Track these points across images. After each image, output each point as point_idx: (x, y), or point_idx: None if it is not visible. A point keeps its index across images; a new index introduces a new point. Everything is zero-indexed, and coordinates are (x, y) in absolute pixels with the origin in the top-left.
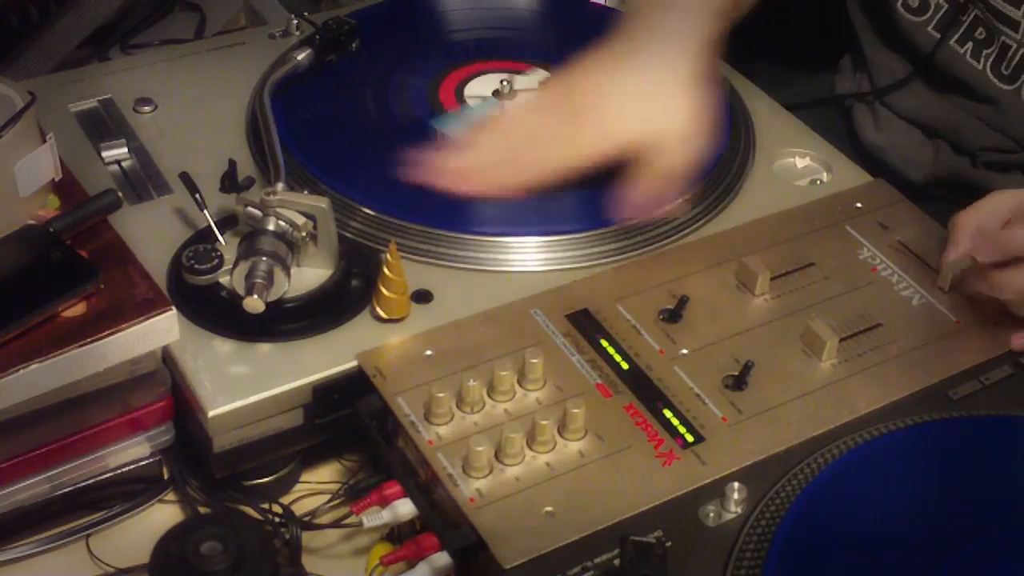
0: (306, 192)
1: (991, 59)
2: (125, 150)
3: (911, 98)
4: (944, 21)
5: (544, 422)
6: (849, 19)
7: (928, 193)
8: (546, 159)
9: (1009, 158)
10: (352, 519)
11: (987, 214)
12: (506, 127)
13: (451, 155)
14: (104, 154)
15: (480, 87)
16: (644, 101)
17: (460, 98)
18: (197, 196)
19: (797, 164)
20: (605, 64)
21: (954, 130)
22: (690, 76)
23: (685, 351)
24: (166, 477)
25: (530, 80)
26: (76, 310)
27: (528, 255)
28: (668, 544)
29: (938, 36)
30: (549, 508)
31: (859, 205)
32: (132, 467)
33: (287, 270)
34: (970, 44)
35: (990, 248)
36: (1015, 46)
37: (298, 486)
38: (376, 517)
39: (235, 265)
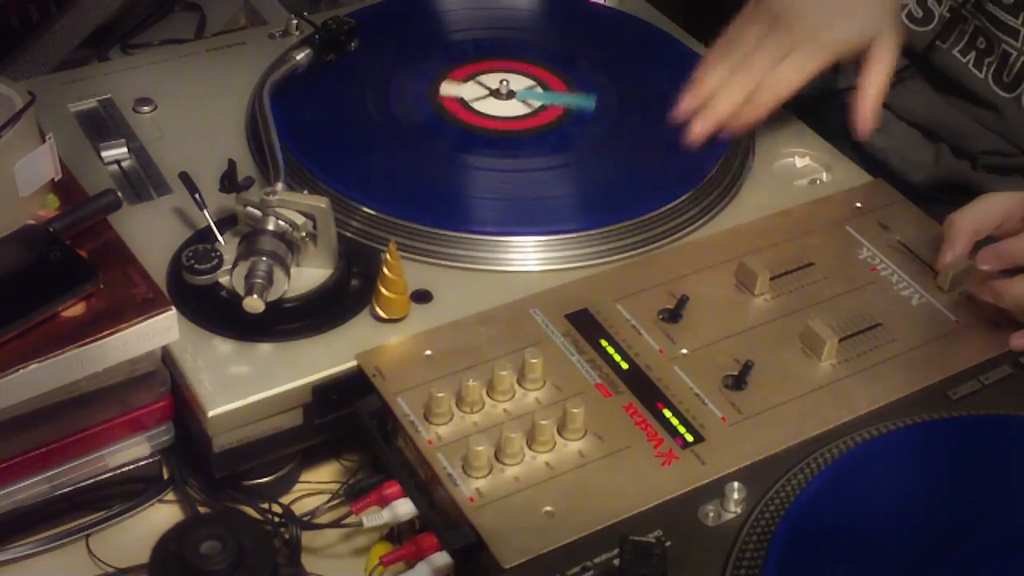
0: (306, 192)
1: (992, 68)
2: (125, 150)
3: (912, 100)
4: (947, 31)
5: (544, 422)
6: None
7: (928, 195)
8: (782, 81)
9: (1010, 161)
10: (352, 519)
11: (981, 215)
12: (736, 54)
13: (703, 101)
14: (104, 154)
15: (480, 87)
16: (857, 9)
17: (460, 98)
18: (197, 196)
19: (797, 164)
20: None
21: (955, 133)
22: None
23: (685, 351)
24: (166, 477)
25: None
26: (76, 310)
27: (528, 255)
28: (668, 544)
29: (941, 45)
30: (549, 508)
31: (859, 205)
32: (132, 467)
33: (287, 270)
34: (972, 54)
35: (992, 257)
36: (1015, 54)
37: (298, 486)
38: (376, 517)
39: (235, 265)
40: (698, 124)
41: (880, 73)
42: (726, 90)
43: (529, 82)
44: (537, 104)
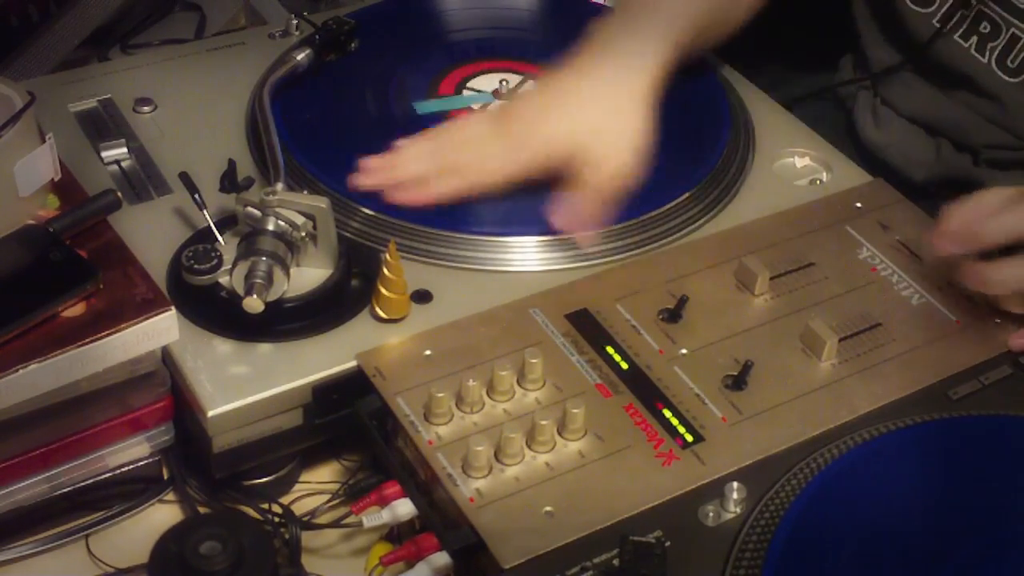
0: (306, 192)
1: (996, 52)
2: (125, 150)
3: (912, 96)
4: (950, 13)
5: (544, 422)
6: (851, 15)
7: (930, 192)
8: (482, 165)
9: (1011, 155)
10: (352, 519)
11: (975, 209)
12: (445, 135)
13: (389, 163)
14: (104, 154)
15: (479, 86)
16: (584, 114)
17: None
18: (196, 196)
19: (797, 164)
20: (555, 77)
21: (956, 128)
22: (637, 97)
23: (685, 351)
24: (166, 477)
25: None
26: (76, 310)
27: (527, 255)
28: (667, 544)
29: (943, 29)
30: (548, 508)
31: (859, 205)
32: (132, 467)
33: (287, 270)
34: (975, 38)
35: (970, 241)
36: None
37: (298, 486)
38: (376, 517)
39: (235, 265)
40: (365, 181)
41: (586, 190)
42: (413, 165)
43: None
44: None
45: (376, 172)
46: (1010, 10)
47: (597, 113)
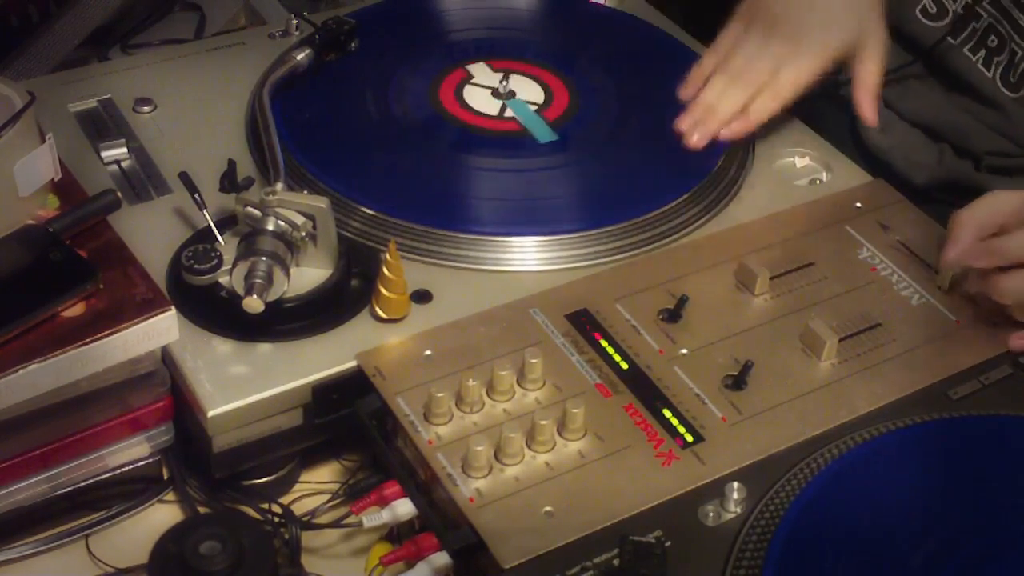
0: (306, 192)
1: (1001, 67)
2: (125, 150)
3: (916, 100)
4: (959, 27)
5: (543, 422)
6: None
7: (931, 196)
8: (777, 88)
9: (1013, 162)
10: (351, 519)
11: (987, 213)
12: (729, 64)
13: (706, 112)
14: (104, 154)
15: (479, 87)
16: (835, 6)
17: (460, 98)
18: (196, 196)
19: (797, 164)
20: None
21: (958, 133)
22: None
23: (685, 351)
24: (166, 477)
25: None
26: (76, 310)
27: (527, 255)
28: (667, 544)
29: (952, 41)
30: (548, 508)
31: (859, 205)
32: (132, 467)
33: (286, 270)
34: (983, 52)
35: (988, 256)
36: (1021, 54)
37: (298, 486)
38: (375, 517)
39: (234, 265)
40: (696, 134)
41: (874, 65)
42: (726, 100)
43: (529, 83)
44: (533, 108)
45: (699, 124)
46: (1015, 27)
47: (855, 10)
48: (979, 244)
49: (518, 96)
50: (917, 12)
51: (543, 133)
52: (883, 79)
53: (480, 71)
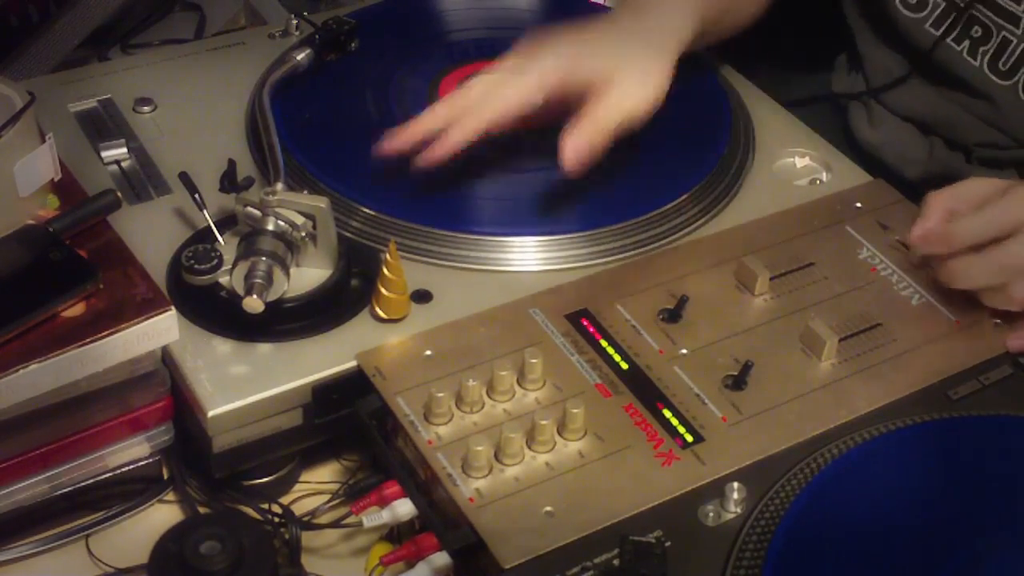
0: (306, 192)
1: (988, 55)
2: (125, 150)
3: (906, 95)
4: (942, 18)
5: (543, 422)
6: (845, 18)
7: (923, 191)
8: (495, 98)
9: (1003, 154)
10: (352, 519)
11: (958, 196)
12: (456, 89)
13: (407, 128)
14: (104, 154)
15: None
16: (605, 48)
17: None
18: (196, 196)
19: (797, 164)
20: (580, 27)
21: (949, 126)
22: (662, 50)
23: (685, 351)
24: (166, 477)
25: None
26: (76, 310)
27: (527, 255)
28: (667, 544)
29: (935, 33)
30: (548, 508)
31: (859, 205)
32: (132, 467)
33: (286, 270)
34: (967, 42)
35: (939, 242)
36: (1016, 41)
37: (298, 486)
38: (376, 517)
39: (235, 265)
40: (389, 145)
41: (597, 111)
42: (428, 118)
43: None
44: None
45: (396, 139)
46: (999, 13)
47: (622, 50)
48: (932, 232)
49: None
50: (898, 4)
51: None
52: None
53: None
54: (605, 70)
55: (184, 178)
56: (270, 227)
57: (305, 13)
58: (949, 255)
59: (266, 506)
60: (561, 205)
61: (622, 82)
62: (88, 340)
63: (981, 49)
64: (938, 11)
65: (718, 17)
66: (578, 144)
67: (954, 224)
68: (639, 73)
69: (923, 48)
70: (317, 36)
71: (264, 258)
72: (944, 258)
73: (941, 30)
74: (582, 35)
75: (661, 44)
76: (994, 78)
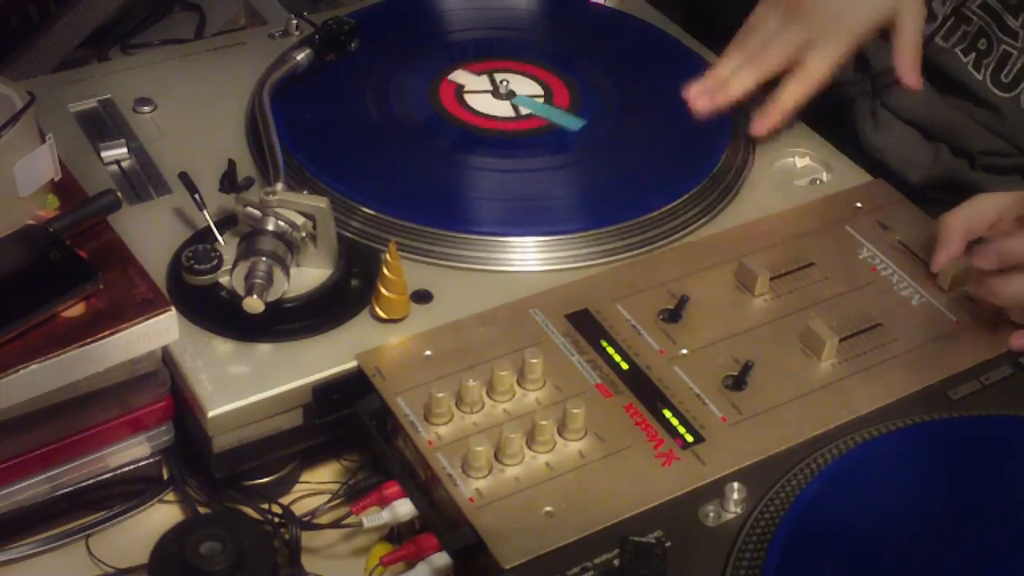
0: (306, 192)
1: (991, 68)
2: (125, 150)
3: (911, 99)
4: (950, 31)
5: (544, 422)
6: None
7: (927, 195)
8: (809, 68)
9: (1008, 161)
10: (352, 519)
11: (974, 215)
12: (751, 43)
13: (708, 82)
14: (104, 154)
15: (480, 86)
16: None
17: (460, 98)
18: (196, 196)
19: (797, 164)
20: None
21: (954, 132)
22: None
23: (685, 351)
24: (166, 477)
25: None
26: (76, 310)
27: (528, 255)
28: (668, 544)
29: (945, 45)
30: (549, 508)
31: (859, 205)
32: (132, 467)
33: (286, 270)
34: (973, 55)
35: (991, 256)
36: (1016, 54)
37: (298, 486)
38: (376, 517)
39: (235, 265)
40: (702, 100)
41: (913, 33)
42: (738, 78)
43: (529, 83)
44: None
45: (708, 93)
46: (1001, 28)
47: None
48: (986, 246)
49: (517, 96)
50: None
51: (571, 122)
52: (921, 47)
53: (480, 71)
54: (888, 13)
55: (184, 178)
56: (270, 227)
57: (305, 13)
58: (995, 274)
59: (266, 506)
60: (561, 205)
61: (901, 14)
62: (88, 340)
63: (984, 62)
64: (948, 23)
65: None
66: (915, 68)
67: (1008, 241)
68: (905, 3)
69: (928, 57)
70: (317, 36)
71: (264, 258)
72: (987, 275)
73: (950, 41)
74: None
75: None
76: (996, 90)
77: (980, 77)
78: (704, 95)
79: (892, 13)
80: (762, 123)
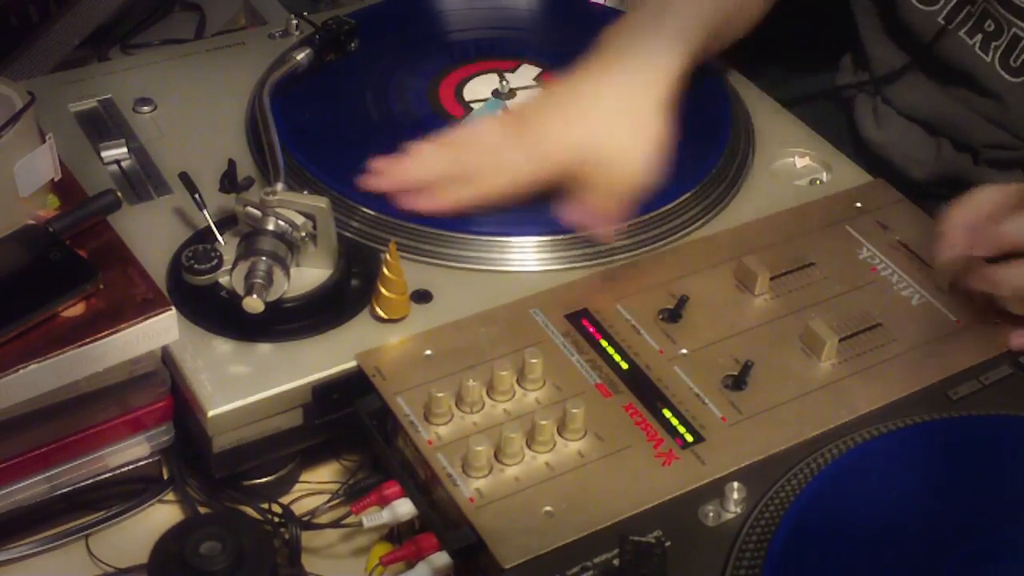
0: (306, 192)
1: (1000, 51)
2: (125, 150)
3: (913, 94)
4: (954, 12)
5: (543, 422)
6: (852, 14)
7: (929, 192)
8: (495, 174)
9: (1011, 155)
10: (352, 519)
11: (974, 209)
12: (457, 141)
13: (399, 166)
14: (104, 154)
15: (480, 87)
16: (598, 117)
17: (460, 98)
18: (196, 196)
19: (797, 164)
20: (568, 82)
21: (956, 127)
22: (653, 101)
23: (685, 351)
24: (166, 477)
25: (525, 78)
26: (75, 310)
27: (528, 255)
28: (667, 544)
29: (947, 26)
30: (548, 508)
31: (859, 205)
32: (132, 467)
33: (286, 270)
34: (979, 36)
35: (986, 243)
36: None
37: (298, 486)
38: (376, 517)
39: (234, 265)
40: (374, 180)
41: (595, 198)
42: (427, 166)
43: (529, 82)
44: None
45: (385, 175)
46: (1012, 10)
47: (612, 116)
48: (977, 231)
49: (517, 96)
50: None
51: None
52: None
53: (478, 71)
54: (602, 148)
55: (184, 178)
56: (270, 227)
57: (305, 13)
58: (993, 263)
59: (266, 506)
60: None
61: (621, 158)
62: (88, 340)
63: (993, 44)
64: (952, 3)
65: (715, 33)
66: (585, 220)
67: (1006, 226)
68: (633, 141)
69: (932, 39)
70: (317, 36)
71: (264, 258)
72: (986, 263)
73: (954, 23)
74: (570, 102)
75: (647, 92)
76: (1005, 75)
77: (988, 59)
78: (381, 178)
79: (577, 165)
80: (413, 203)
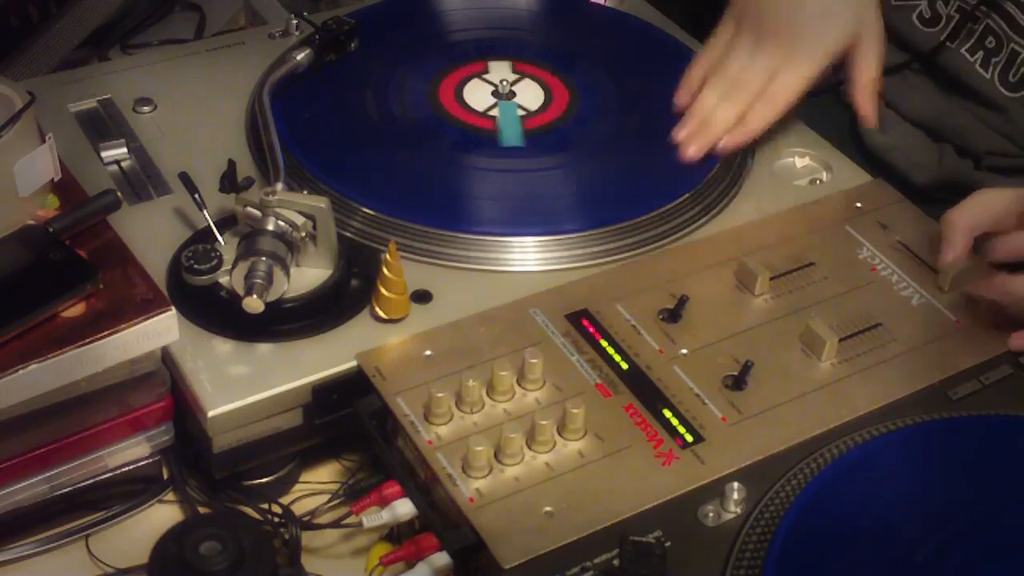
0: (306, 192)
1: (999, 67)
2: (125, 150)
3: (916, 100)
4: (956, 30)
5: (543, 422)
6: None
7: (932, 196)
8: (773, 98)
9: (1013, 162)
10: (352, 519)
11: (977, 212)
12: (722, 74)
13: (702, 124)
14: (103, 154)
15: (479, 87)
16: (824, 9)
17: (460, 98)
18: (196, 196)
19: (797, 164)
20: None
21: (959, 133)
22: None
23: (685, 351)
24: (166, 477)
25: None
26: (75, 310)
27: (527, 255)
28: (667, 544)
29: (951, 46)
30: (548, 508)
31: (859, 205)
32: (132, 467)
33: (286, 270)
34: (980, 53)
35: (1002, 249)
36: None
37: (298, 486)
38: (376, 517)
39: (234, 265)
40: (692, 146)
41: (872, 62)
42: (721, 112)
43: (529, 82)
44: (533, 108)
45: (696, 136)
46: (1012, 26)
47: (846, 6)
48: (998, 239)
49: (517, 96)
50: (914, 18)
51: (509, 137)
52: (881, 78)
53: (479, 71)
54: (852, 35)
55: (184, 178)
56: (270, 227)
57: (305, 13)
58: (1004, 272)
59: (266, 506)
60: (561, 205)
61: (863, 38)
62: (88, 340)
63: (992, 60)
64: (953, 23)
65: None
66: (873, 103)
67: (1020, 235)
68: (871, 21)
69: (935, 57)
70: (317, 36)
71: (264, 258)
72: (997, 272)
73: (956, 40)
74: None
75: None
76: (1004, 90)
77: (988, 76)
78: (692, 140)
79: (855, 39)
80: (729, 142)
